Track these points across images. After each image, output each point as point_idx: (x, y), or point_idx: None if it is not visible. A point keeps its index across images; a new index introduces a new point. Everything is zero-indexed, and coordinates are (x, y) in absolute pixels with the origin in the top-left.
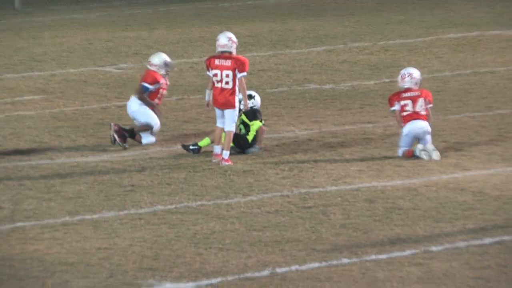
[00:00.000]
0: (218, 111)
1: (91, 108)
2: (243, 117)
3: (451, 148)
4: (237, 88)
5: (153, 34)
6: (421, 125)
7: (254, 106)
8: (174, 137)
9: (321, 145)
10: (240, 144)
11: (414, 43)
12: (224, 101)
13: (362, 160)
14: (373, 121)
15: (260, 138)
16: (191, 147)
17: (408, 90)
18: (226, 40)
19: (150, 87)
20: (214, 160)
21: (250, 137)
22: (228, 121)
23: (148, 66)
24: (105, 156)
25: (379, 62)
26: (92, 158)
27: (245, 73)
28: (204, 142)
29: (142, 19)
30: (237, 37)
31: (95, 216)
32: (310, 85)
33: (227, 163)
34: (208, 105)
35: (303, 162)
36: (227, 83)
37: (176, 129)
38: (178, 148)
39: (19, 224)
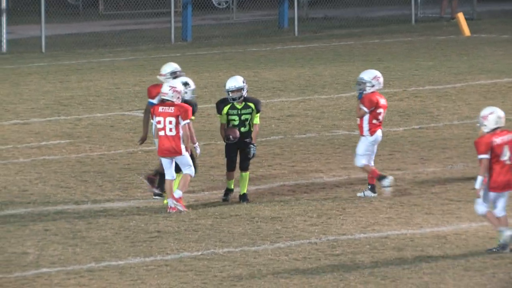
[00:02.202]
0: (165, 161)
1: (117, 153)
2: (252, 106)
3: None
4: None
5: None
6: None
7: (187, 93)
8: (200, 183)
9: (350, 192)
10: (245, 142)
11: (443, 89)
12: (171, 148)
13: (391, 207)
14: (402, 168)
15: (255, 134)
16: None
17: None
18: (168, 89)
19: (154, 101)
20: (169, 211)
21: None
22: (184, 166)
23: (158, 77)
24: (131, 202)
25: (408, 108)
26: (118, 204)
27: (188, 121)
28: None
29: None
30: (265, 82)
31: (121, 263)
32: (338, 131)
33: (178, 204)
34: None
35: (331, 209)
36: (170, 130)
37: (202, 175)
38: (205, 194)
39: (44, 270)
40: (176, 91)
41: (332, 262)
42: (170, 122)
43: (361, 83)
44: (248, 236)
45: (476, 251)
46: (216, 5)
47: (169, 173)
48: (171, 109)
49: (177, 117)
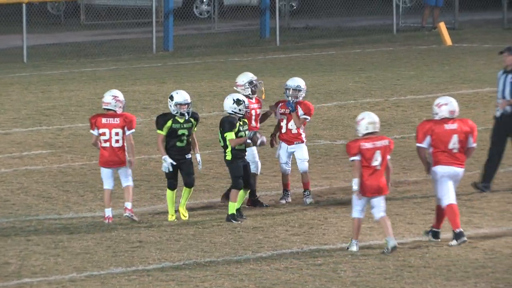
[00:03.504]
0: (106, 172)
1: None
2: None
3: (462, 205)
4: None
5: (162, 88)
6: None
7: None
8: (181, 192)
9: (332, 202)
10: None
11: (425, 99)
12: (117, 159)
13: (372, 217)
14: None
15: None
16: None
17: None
18: (111, 98)
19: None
20: (106, 221)
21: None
22: (126, 177)
23: (234, 88)
24: (113, 212)
25: (390, 118)
26: (100, 213)
27: (133, 130)
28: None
29: (151, 73)
30: None
31: (102, 273)
32: (320, 141)
33: (132, 214)
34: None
35: (313, 219)
36: (117, 141)
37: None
38: (187, 203)
39: (26, 280)
40: (119, 100)
41: (314, 272)
42: (117, 134)
43: (298, 91)
44: (230, 246)
45: (458, 260)
46: (197, 15)
47: (109, 183)
48: (116, 120)
49: (123, 127)
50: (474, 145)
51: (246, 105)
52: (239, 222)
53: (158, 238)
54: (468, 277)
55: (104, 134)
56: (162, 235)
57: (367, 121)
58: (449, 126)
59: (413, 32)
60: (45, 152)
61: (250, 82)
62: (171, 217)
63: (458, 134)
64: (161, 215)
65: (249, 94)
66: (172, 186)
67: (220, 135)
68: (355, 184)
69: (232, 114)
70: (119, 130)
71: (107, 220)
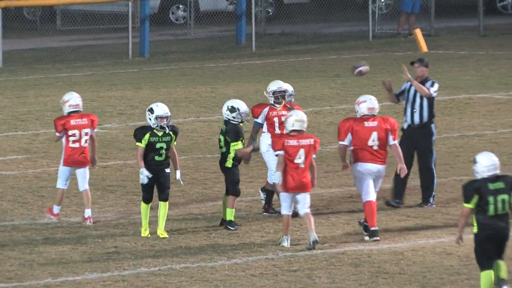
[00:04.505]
0: (66, 171)
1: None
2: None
3: (438, 212)
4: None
5: (138, 94)
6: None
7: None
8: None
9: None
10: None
11: (401, 105)
12: (83, 159)
13: (348, 223)
14: None
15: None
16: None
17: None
18: (79, 100)
19: (259, 121)
20: (52, 219)
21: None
22: (84, 178)
23: (265, 94)
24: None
25: None
26: (75, 219)
27: (97, 130)
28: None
29: (127, 79)
30: (223, 98)
31: (77, 278)
32: None
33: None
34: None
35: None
36: (86, 141)
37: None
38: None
39: (1, 285)
40: (81, 101)
41: (289, 278)
42: (86, 134)
43: (290, 96)
44: (204, 251)
45: (433, 267)
46: (173, 20)
47: (63, 183)
48: (85, 121)
49: (90, 127)
50: (395, 142)
51: (243, 112)
52: (235, 229)
53: (134, 244)
54: (443, 284)
55: (74, 135)
56: (137, 240)
57: (294, 118)
58: (369, 124)
59: (389, 39)
60: (21, 158)
61: (274, 92)
62: (144, 232)
63: (378, 131)
64: (137, 220)
65: (273, 102)
66: (146, 200)
67: (222, 141)
68: (276, 178)
69: (232, 121)
70: (89, 130)
71: (85, 221)
